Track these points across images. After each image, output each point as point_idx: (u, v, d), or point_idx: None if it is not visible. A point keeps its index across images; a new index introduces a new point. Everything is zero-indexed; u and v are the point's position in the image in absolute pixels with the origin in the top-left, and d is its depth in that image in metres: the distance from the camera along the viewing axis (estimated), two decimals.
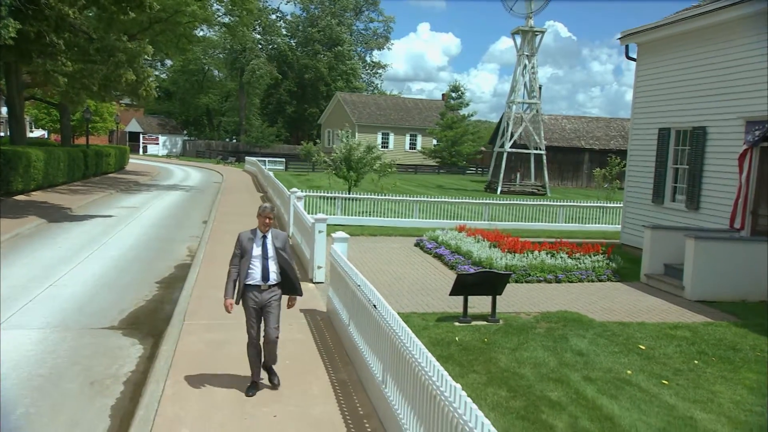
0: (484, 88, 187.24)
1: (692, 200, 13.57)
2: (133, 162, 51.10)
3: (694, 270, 11.03)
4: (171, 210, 22.96)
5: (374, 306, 6.43)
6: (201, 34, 41.84)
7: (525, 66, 37.11)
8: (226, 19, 34.54)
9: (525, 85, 37.75)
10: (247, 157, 52.18)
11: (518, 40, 37.16)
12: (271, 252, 6.33)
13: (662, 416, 6.03)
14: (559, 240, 14.69)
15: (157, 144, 73.21)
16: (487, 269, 10.67)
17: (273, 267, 6.33)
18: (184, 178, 40.37)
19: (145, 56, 19.33)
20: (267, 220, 6.36)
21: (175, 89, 78.90)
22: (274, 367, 6.66)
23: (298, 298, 6.63)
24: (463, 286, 9.27)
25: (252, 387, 6.45)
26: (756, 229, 11.97)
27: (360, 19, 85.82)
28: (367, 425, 5.91)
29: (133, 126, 72.18)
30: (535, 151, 38.66)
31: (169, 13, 27.56)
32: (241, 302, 6.42)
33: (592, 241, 14.48)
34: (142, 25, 26.20)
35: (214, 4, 33.67)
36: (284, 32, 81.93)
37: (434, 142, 57.57)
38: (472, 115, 58.44)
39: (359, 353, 7.12)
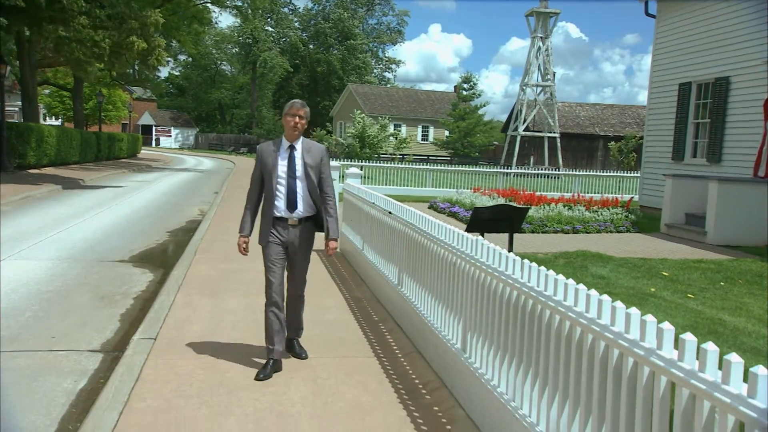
0: (495, 89, 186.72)
1: (714, 154, 13.23)
2: (146, 152, 51.31)
3: (717, 214, 10.73)
4: (183, 184, 22.92)
5: (389, 213, 6.25)
6: (213, 16, 41.78)
7: (539, 48, 36.67)
8: (239, 2, 34.52)
9: (539, 67, 37.32)
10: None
11: (532, 21, 36.75)
12: (300, 170, 4.43)
13: (689, 318, 5.79)
14: (576, 194, 14.40)
15: (170, 136, 73.38)
16: (504, 204, 10.41)
17: (302, 192, 4.47)
18: (197, 164, 40.45)
19: (154, 26, 19.22)
20: (297, 120, 4.41)
21: (187, 85, 79.16)
22: (300, 340, 4.87)
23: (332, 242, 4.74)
24: (479, 222, 9.01)
25: (267, 366, 4.42)
26: None
27: (373, 14, 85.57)
28: (382, 327, 5.73)
29: (146, 119, 72.42)
30: (549, 134, 38.23)
31: None
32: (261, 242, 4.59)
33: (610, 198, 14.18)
34: (154, 4, 26.16)
35: None
36: (297, 25, 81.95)
37: (446, 133, 57.16)
38: (484, 105, 58.01)
39: (373, 270, 6.95)
